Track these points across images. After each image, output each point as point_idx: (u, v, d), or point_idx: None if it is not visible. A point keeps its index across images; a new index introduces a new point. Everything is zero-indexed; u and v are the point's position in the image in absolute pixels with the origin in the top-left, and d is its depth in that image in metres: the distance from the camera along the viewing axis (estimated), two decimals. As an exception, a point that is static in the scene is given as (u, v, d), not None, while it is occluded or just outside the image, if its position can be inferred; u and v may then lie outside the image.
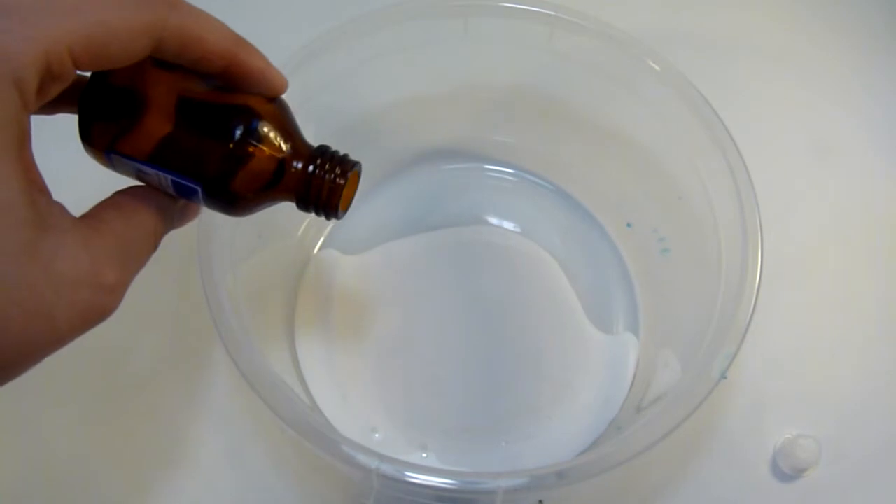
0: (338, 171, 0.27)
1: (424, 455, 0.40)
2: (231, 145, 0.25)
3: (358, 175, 0.28)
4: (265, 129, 0.25)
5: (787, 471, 0.40)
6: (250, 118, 0.25)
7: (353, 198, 0.29)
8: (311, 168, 0.27)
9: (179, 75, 0.25)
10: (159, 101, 0.24)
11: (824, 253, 0.47)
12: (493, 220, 0.47)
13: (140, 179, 0.26)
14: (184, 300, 0.44)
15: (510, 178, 0.49)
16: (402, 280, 0.45)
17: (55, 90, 0.21)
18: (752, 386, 0.42)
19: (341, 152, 0.28)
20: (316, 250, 0.46)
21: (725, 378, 0.33)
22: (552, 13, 0.39)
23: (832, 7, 0.56)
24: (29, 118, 0.21)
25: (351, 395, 0.41)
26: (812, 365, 0.44)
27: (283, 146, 0.26)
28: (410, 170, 0.48)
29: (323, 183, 0.27)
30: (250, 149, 0.25)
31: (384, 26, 0.39)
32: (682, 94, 0.38)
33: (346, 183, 0.27)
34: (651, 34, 0.41)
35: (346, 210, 0.28)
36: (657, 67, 0.39)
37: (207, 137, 0.25)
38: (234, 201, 0.26)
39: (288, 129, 0.26)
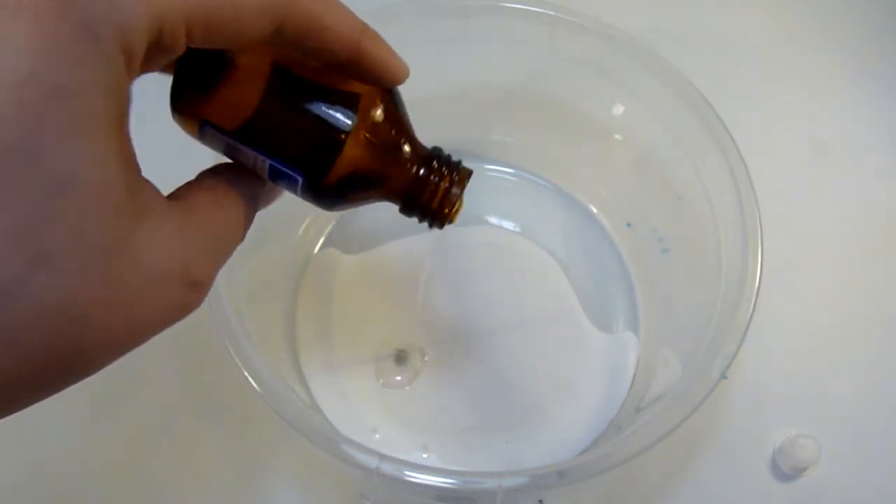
0: (455, 177, 0.25)
1: (425, 455, 0.40)
2: (343, 136, 0.22)
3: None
4: (382, 122, 0.23)
5: (786, 470, 0.40)
6: (368, 107, 0.23)
7: (461, 209, 0.26)
8: (423, 171, 0.25)
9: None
10: (266, 76, 0.22)
11: (824, 253, 0.47)
12: (493, 220, 0.47)
13: (229, 156, 0.23)
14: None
15: (510, 178, 0.49)
16: (403, 280, 0.45)
17: (161, 62, 0.19)
18: (752, 386, 0.42)
19: (454, 157, 0.26)
20: (316, 250, 0.46)
21: (725, 378, 0.33)
22: (552, 13, 0.39)
23: (832, 7, 0.56)
24: (130, 88, 0.18)
25: (351, 395, 0.41)
26: (812, 365, 0.44)
27: (400, 142, 0.24)
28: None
29: (437, 189, 0.25)
30: (365, 141, 0.23)
31: (384, 26, 0.39)
32: (682, 94, 0.38)
33: (461, 193, 0.25)
34: (651, 34, 0.41)
35: (454, 221, 0.26)
36: (657, 67, 0.39)
37: (319, 124, 0.22)
38: (336, 196, 0.24)
39: (404, 124, 0.24)
